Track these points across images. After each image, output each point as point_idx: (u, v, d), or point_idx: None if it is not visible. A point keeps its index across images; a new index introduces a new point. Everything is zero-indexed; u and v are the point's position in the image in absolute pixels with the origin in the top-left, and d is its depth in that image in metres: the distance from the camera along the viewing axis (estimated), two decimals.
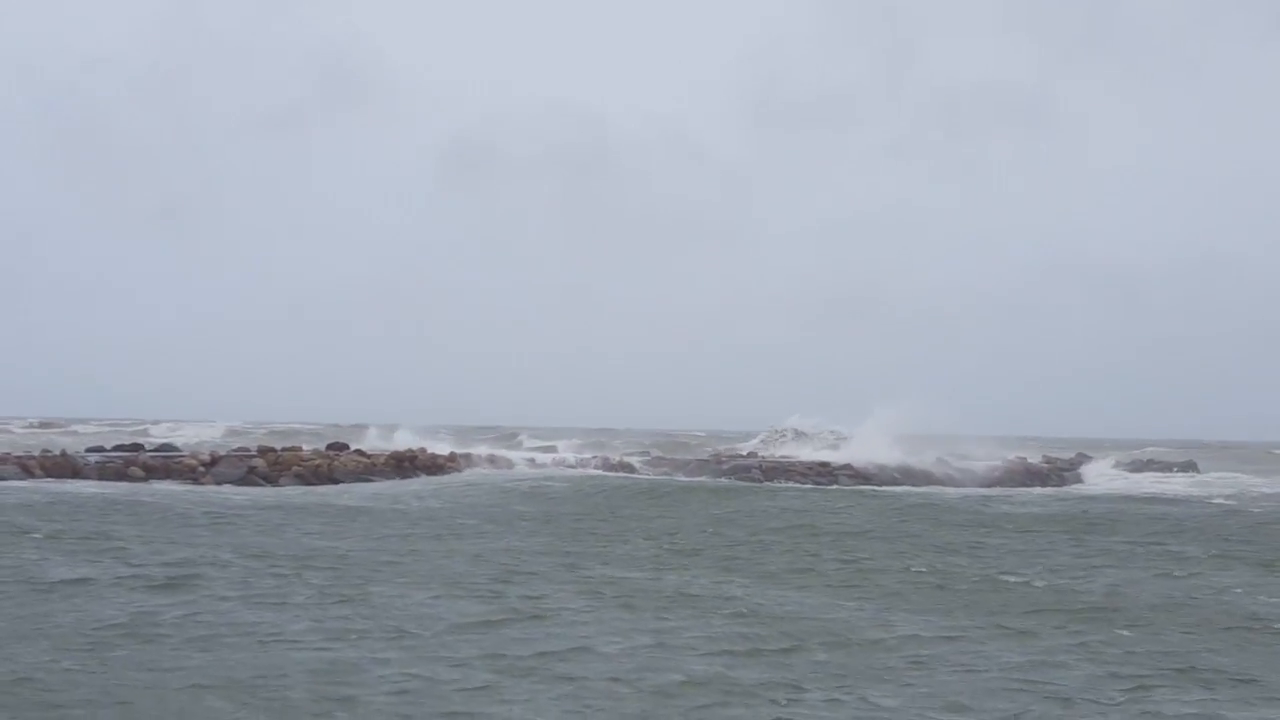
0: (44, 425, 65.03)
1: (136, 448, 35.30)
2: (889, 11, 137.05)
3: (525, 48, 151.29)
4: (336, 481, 31.48)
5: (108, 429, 61.07)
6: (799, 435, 48.43)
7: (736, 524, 21.43)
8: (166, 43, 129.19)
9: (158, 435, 53.56)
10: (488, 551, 16.33)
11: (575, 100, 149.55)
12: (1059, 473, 43.18)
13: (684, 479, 35.13)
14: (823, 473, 37.29)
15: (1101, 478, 43.65)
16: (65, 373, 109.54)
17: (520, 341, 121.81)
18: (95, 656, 9.14)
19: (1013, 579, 14.84)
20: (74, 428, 61.55)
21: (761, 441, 48.70)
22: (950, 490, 34.74)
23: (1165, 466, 49.47)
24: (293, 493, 27.85)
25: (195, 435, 53.59)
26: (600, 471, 36.86)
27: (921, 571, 15.40)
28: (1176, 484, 40.46)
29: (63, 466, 29.73)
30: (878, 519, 22.88)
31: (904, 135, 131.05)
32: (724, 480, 34.91)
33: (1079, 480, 42.56)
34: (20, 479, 27.83)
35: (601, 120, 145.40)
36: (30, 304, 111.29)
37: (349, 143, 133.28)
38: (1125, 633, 11.30)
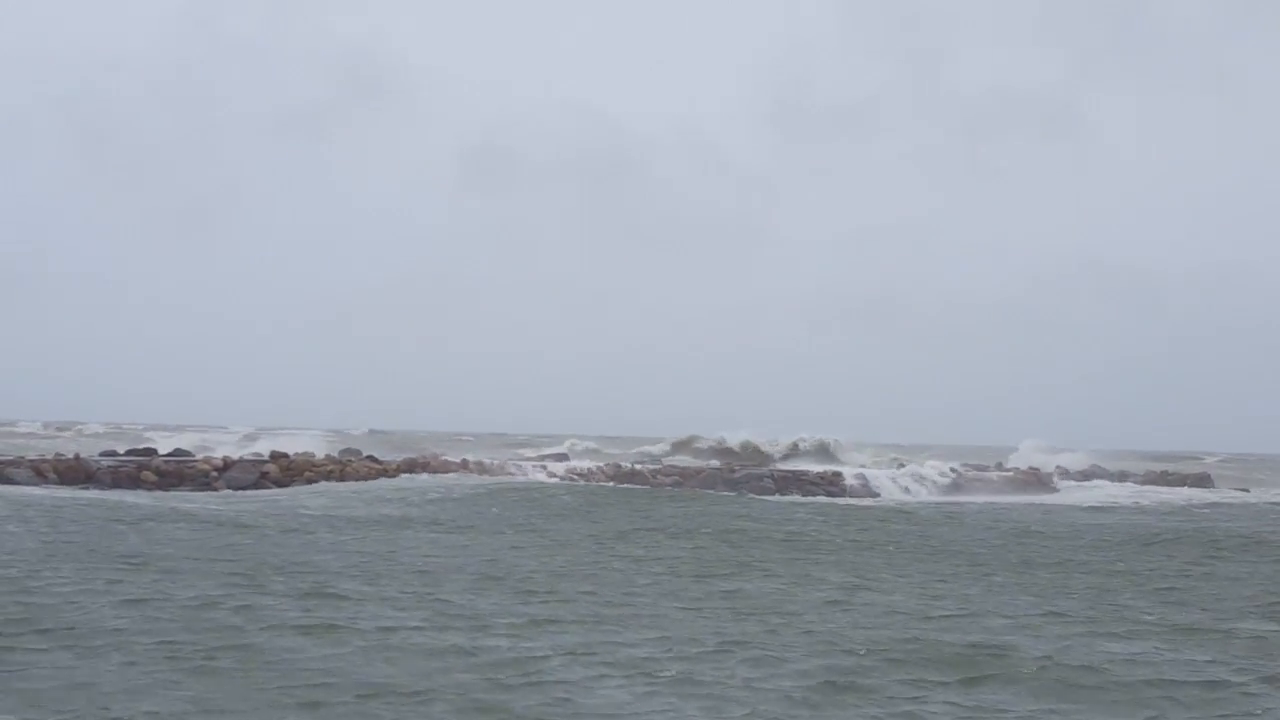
0: (114, 429, 61.65)
1: (149, 452, 35.20)
2: (913, 18, 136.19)
3: (546, 50, 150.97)
4: None
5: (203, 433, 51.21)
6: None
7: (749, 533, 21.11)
8: (185, 43, 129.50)
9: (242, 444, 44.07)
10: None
11: (596, 103, 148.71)
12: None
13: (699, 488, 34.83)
14: (834, 482, 36.97)
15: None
16: (81, 375, 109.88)
17: (537, 346, 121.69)
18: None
19: None
20: (149, 434, 51.10)
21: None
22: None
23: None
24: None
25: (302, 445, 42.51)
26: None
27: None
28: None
29: (75, 471, 29.66)
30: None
31: (926, 143, 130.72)
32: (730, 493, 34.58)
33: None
34: (37, 485, 27.80)
35: (622, 124, 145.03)
36: (46, 306, 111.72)
37: (369, 144, 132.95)
38: None
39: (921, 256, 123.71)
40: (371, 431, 67.89)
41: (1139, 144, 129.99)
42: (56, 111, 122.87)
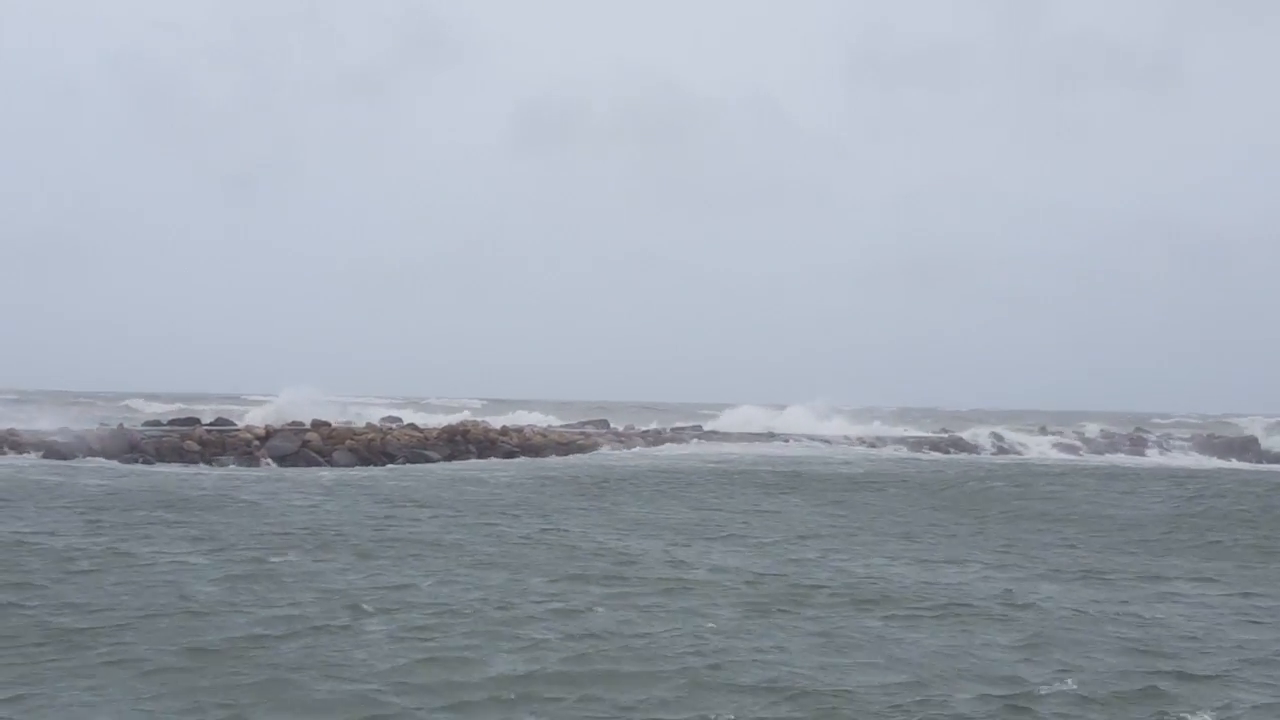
0: (178, 401, 58.99)
1: (191, 421, 35.32)
2: None
3: (605, 11, 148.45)
4: (391, 456, 31.26)
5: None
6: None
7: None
8: (242, 3, 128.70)
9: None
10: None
11: (657, 64, 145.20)
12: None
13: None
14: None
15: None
16: (132, 341, 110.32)
17: (591, 310, 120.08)
18: None
19: None
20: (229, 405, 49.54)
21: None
22: None
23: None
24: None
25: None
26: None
27: None
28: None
29: (119, 441, 29.78)
30: None
31: (1008, 95, 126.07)
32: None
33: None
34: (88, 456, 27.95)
35: (684, 86, 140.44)
36: (101, 271, 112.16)
37: (427, 106, 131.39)
38: None
39: (987, 214, 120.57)
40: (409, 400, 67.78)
41: (1233, 99, 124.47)
42: (111, 73, 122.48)
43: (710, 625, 9.65)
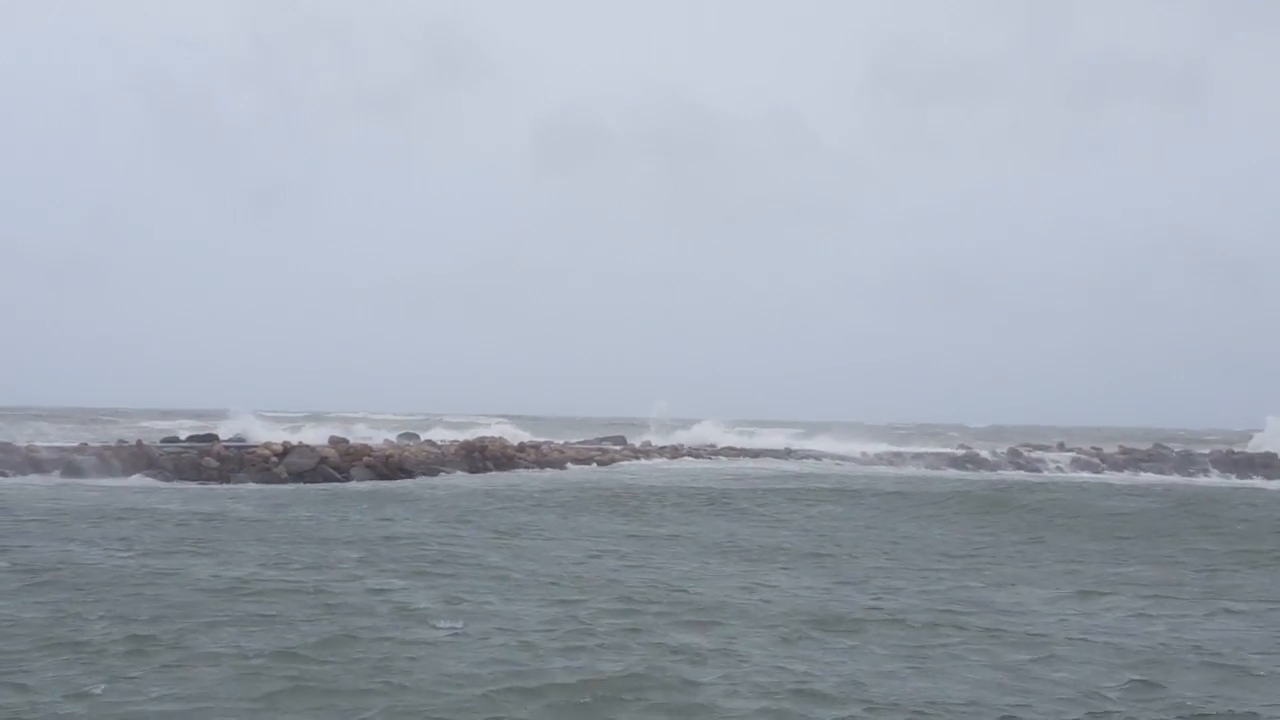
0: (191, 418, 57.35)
1: (210, 438, 35.29)
2: None
3: (627, 28, 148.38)
4: (408, 473, 31.20)
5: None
6: None
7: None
8: (264, 21, 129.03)
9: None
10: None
11: (678, 82, 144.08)
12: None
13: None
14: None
15: None
16: (149, 358, 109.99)
17: (612, 327, 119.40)
18: None
19: None
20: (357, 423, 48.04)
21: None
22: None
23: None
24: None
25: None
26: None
27: None
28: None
29: (138, 457, 29.78)
30: None
31: (1031, 110, 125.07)
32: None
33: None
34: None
35: (705, 102, 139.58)
36: (117, 288, 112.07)
37: (448, 123, 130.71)
38: None
39: (1010, 230, 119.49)
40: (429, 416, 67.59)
41: (1259, 114, 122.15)
42: (133, 92, 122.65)
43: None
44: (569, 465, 34.93)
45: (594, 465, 35.53)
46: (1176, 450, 48.75)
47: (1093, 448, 48.64)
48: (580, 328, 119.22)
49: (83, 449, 30.42)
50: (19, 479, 26.54)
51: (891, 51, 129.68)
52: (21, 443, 31.43)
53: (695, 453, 41.17)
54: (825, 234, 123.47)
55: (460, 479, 30.23)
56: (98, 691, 7.59)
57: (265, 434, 35.48)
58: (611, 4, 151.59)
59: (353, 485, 28.09)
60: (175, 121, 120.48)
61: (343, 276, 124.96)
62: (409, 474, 31.06)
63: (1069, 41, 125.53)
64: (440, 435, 40.34)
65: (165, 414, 70.23)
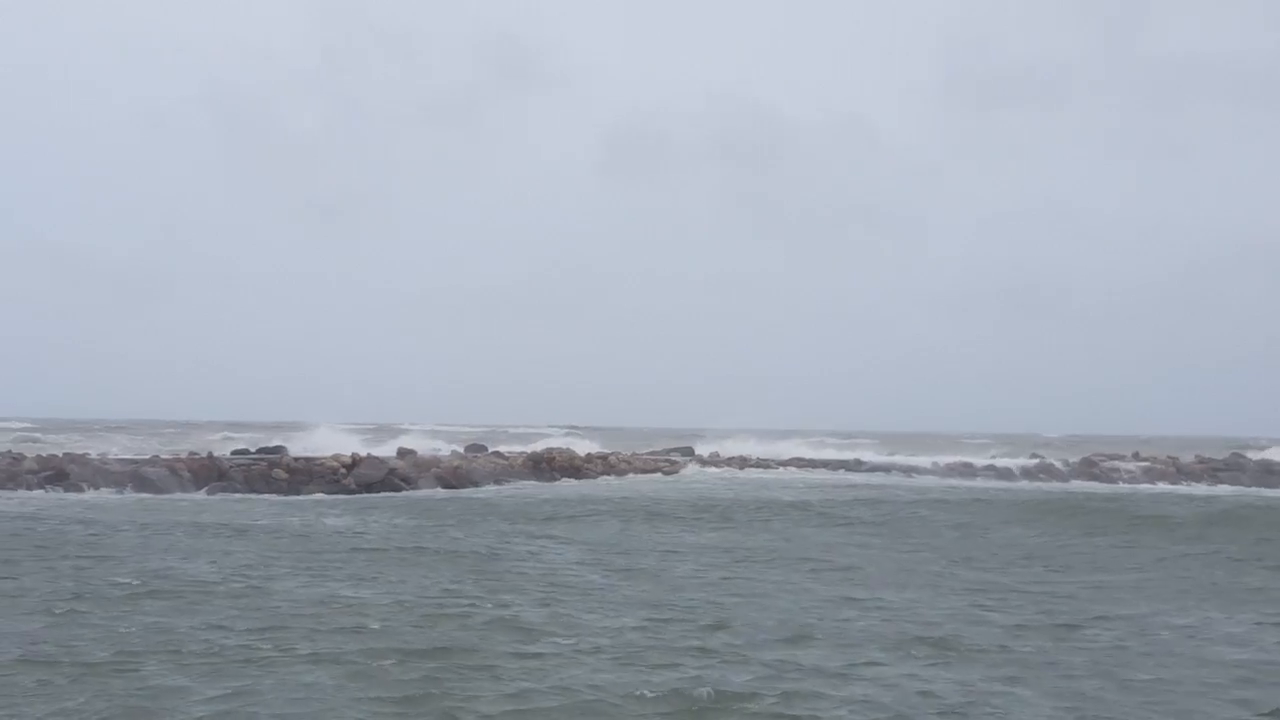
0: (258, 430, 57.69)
1: (279, 450, 35.32)
2: None
3: (692, 32, 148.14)
4: (475, 483, 30.91)
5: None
6: None
7: None
8: (329, 32, 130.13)
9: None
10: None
11: (747, 89, 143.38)
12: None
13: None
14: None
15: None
16: (218, 370, 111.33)
17: (682, 335, 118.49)
18: None
19: None
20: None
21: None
22: None
23: None
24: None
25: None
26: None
27: None
28: None
29: (209, 470, 29.78)
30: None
31: (1106, 114, 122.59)
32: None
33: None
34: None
35: (771, 107, 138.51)
36: (184, 299, 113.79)
37: (515, 132, 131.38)
38: None
39: (1082, 236, 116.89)
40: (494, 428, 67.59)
41: None
42: (198, 104, 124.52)
43: None
44: (630, 476, 34.39)
45: (659, 475, 34.99)
46: (1255, 459, 46.86)
47: (1169, 456, 46.94)
48: (644, 333, 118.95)
49: (154, 461, 30.50)
50: (93, 493, 26.63)
51: (963, 54, 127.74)
52: (94, 454, 31.66)
53: (764, 463, 40.43)
54: (895, 240, 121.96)
55: (530, 488, 29.87)
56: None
57: (337, 445, 35.44)
58: (676, 11, 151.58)
59: (423, 492, 27.81)
60: (243, 134, 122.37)
61: (407, 287, 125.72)
62: (476, 485, 30.76)
63: (1144, 43, 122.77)
64: (504, 447, 40.09)
65: (233, 425, 71.11)
